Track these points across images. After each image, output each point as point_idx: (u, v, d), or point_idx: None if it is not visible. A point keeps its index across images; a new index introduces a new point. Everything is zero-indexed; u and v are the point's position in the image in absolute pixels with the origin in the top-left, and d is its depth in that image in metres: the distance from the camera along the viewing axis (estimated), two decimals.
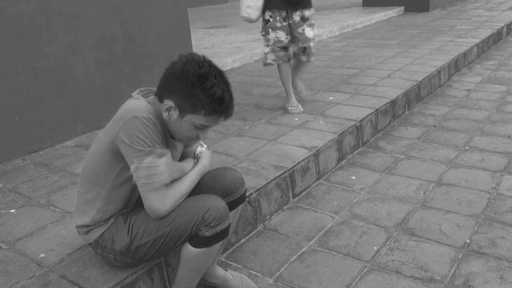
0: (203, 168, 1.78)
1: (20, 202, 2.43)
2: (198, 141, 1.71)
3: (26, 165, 2.92)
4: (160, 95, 1.60)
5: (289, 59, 3.61)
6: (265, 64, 3.64)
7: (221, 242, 1.73)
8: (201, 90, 1.53)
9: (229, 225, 1.68)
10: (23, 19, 2.94)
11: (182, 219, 1.61)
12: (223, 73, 1.62)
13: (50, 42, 3.10)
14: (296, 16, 3.47)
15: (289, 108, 3.66)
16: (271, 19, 3.45)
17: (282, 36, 3.48)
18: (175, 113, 1.58)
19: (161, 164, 1.55)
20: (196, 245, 1.65)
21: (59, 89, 3.20)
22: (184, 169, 1.72)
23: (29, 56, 3.00)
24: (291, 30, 3.52)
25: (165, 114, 1.59)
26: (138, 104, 1.56)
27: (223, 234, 1.66)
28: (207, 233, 1.62)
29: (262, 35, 3.59)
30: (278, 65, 3.63)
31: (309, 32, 3.52)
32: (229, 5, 13.04)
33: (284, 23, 3.46)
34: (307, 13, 3.50)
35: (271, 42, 3.51)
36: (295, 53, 3.64)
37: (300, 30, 3.50)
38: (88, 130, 3.42)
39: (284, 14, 3.44)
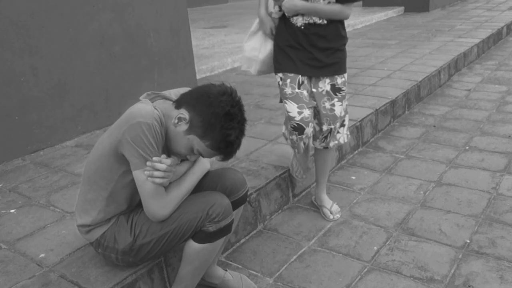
0: (202, 168, 1.78)
1: (20, 202, 2.43)
2: (186, 159, 1.70)
3: (26, 165, 2.92)
4: (181, 103, 1.60)
5: (307, 147, 2.50)
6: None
7: (223, 239, 1.74)
8: (220, 125, 1.53)
9: (232, 220, 1.70)
10: (23, 19, 2.94)
11: (187, 216, 1.62)
12: (245, 123, 1.63)
13: (50, 42, 3.10)
14: (325, 85, 2.31)
15: (294, 173, 2.64)
16: (281, 83, 2.35)
17: (293, 109, 2.28)
18: (184, 126, 1.57)
19: (164, 168, 1.55)
20: (199, 240, 1.66)
21: (59, 89, 3.20)
22: (178, 173, 1.70)
23: (29, 56, 3.00)
24: (313, 101, 2.35)
25: (174, 121, 1.58)
26: (144, 109, 1.55)
27: (227, 229, 1.68)
28: (211, 228, 1.64)
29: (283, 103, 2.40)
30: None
31: (339, 108, 2.34)
32: (229, 5, 13.05)
33: (298, 90, 2.29)
34: (339, 80, 2.33)
35: (286, 115, 2.39)
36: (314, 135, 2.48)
37: (328, 105, 2.33)
38: (88, 130, 3.42)
39: (301, 78, 2.31)
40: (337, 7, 2.19)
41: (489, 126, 3.78)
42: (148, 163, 1.53)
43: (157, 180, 1.54)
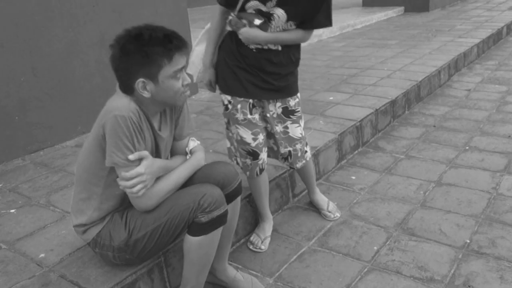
0: (196, 162, 1.78)
1: (20, 202, 2.43)
2: (187, 90, 1.66)
3: (26, 165, 2.92)
4: (127, 86, 1.58)
5: (261, 171, 2.27)
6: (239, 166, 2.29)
7: (220, 231, 1.71)
8: (145, 46, 1.50)
9: (226, 211, 1.68)
10: (23, 19, 2.94)
11: (178, 208, 1.62)
12: (152, 24, 1.58)
13: (50, 42, 3.10)
14: (276, 108, 2.20)
15: (251, 239, 2.38)
16: (230, 106, 2.17)
17: (247, 135, 2.17)
18: (150, 84, 1.55)
19: (144, 172, 1.55)
20: (194, 233, 1.65)
21: (59, 89, 3.20)
22: (168, 167, 1.70)
23: (29, 56, 3.00)
24: (266, 126, 2.26)
25: (145, 94, 1.56)
26: (120, 102, 1.56)
27: (220, 220, 1.66)
28: (203, 219, 1.62)
29: (225, 123, 2.25)
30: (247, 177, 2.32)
31: (295, 130, 2.25)
32: None
33: (251, 116, 2.15)
34: (292, 102, 2.22)
35: (234, 139, 2.22)
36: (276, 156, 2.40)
37: (280, 128, 2.23)
38: (88, 130, 3.39)
39: (252, 102, 2.15)
40: (300, 34, 2.08)
41: (489, 126, 3.78)
42: (118, 179, 1.55)
43: (134, 189, 1.54)
